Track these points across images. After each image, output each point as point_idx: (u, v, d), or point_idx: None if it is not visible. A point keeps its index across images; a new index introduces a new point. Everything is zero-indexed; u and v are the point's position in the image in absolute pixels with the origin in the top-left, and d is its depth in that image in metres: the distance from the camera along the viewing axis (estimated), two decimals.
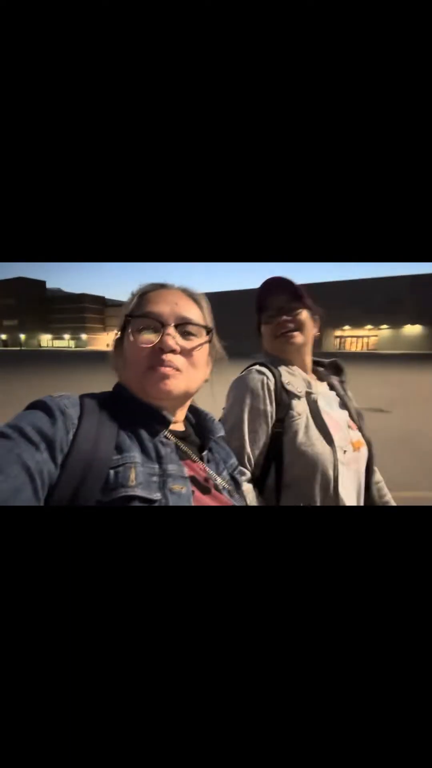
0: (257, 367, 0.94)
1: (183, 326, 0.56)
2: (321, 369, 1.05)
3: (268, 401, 0.89)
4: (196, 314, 0.59)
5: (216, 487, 0.58)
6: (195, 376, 0.58)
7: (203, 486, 0.55)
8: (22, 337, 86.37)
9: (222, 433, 0.66)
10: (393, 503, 1.01)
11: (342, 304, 39.51)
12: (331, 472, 0.85)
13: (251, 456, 0.87)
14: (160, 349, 0.54)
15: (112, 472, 0.47)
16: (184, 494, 0.50)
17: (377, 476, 1.01)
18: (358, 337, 43.53)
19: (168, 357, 0.54)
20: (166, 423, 0.55)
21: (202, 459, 0.60)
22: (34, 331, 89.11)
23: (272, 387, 0.90)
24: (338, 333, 43.82)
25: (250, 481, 0.86)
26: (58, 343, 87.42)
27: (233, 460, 0.67)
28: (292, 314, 0.96)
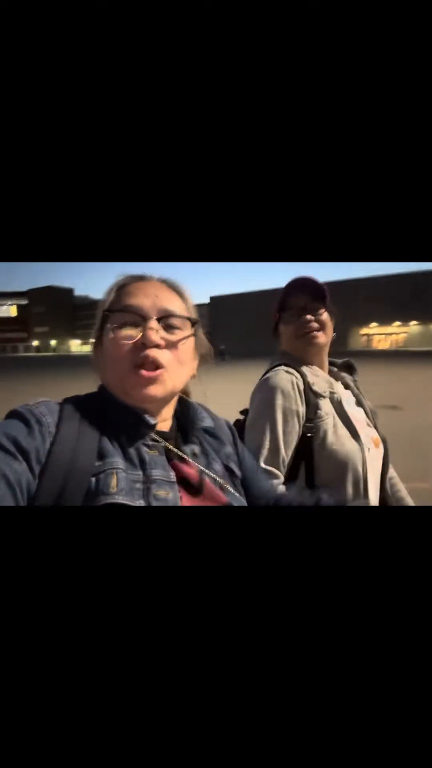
0: (284, 367, 0.92)
1: (166, 319, 0.53)
2: (334, 369, 1.05)
3: (299, 401, 0.88)
4: (179, 306, 0.55)
5: (212, 481, 0.56)
6: (181, 373, 0.55)
7: (194, 487, 0.53)
8: (53, 342, 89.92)
9: (208, 423, 0.62)
10: (407, 497, 1.03)
11: (367, 301, 38.53)
12: (360, 470, 0.86)
13: (285, 458, 0.86)
14: (143, 344, 0.51)
15: (93, 479, 0.46)
16: (170, 499, 0.49)
17: (391, 471, 1.01)
18: (386, 335, 42.23)
19: (152, 353, 0.51)
20: (150, 426, 0.52)
21: (192, 454, 0.58)
22: (63, 337, 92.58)
23: (302, 387, 0.89)
24: (365, 331, 42.72)
25: (281, 484, 0.86)
26: (87, 348, 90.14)
27: (227, 449, 0.63)
28: (316, 314, 0.95)
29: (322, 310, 0.95)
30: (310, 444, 0.86)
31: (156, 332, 0.51)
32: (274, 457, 0.85)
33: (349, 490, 0.85)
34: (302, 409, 0.87)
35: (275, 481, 0.83)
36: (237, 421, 0.98)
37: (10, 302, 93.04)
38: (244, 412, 1.00)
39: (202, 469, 0.56)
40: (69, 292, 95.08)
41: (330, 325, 0.97)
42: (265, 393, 0.90)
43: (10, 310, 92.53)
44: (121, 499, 0.45)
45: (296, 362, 0.94)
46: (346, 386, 1.01)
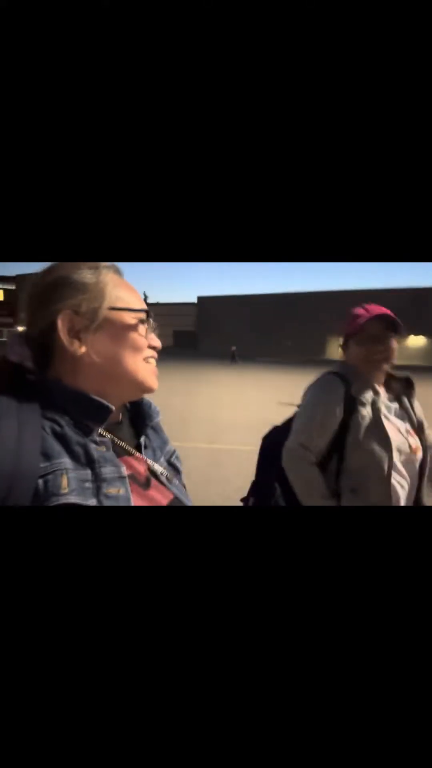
0: (332, 374, 1.13)
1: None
2: (392, 381, 1.19)
3: (338, 404, 1.06)
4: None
5: (155, 476, 0.57)
6: None
7: (142, 482, 0.54)
8: None
9: (158, 417, 0.63)
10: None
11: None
12: (385, 468, 1.02)
13: (320, 446, 1.08)
14: (153, 346, 0.56)
15: (41, 480, 0.43)
16: (122, 496, 0.49)
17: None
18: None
19: (158, 344, 0.57)
20: (106, 414, 0.51)
21: (139, 448, 0.58)
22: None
23: (342, 393, 1.07)
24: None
25: (313, 464, 1.08)
26: None
27: (170, 447, 0.65)
28: (386, 343, 1.10)
29: (393, 341, 1.11)
30: (343, 440, 1.06)
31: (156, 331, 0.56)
32: (309, 440, 1.09)
33: (371, 480, 1.03)
34: (340, 412, 1.06)
35: (305, 462, 1.09)
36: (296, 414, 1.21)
37: None
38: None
39: (151, 462, 0.57)
40: None
41: (395, 351, 1.12)
42: (313, 392, 1.13)
43: None
44: (73, 499, 0.44)
45: (352, 372, 1.13)
46: (398, 398, 1.17)
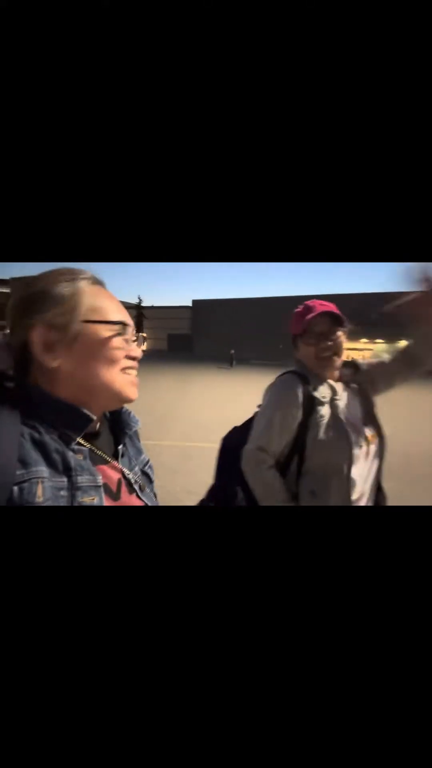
0: (290, 375, 1.10)
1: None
2: (342, 370, 1.16)
3: (296, 404, 1.04)
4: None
5: (129, 485, 0.57)
6: None
7: (114, 491, 0.55)
8: None
9: (138, 426, 0.64)
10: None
11: (350, 318, 40.61)
12: (344, 468, 1.00)
13: (278, 448, 1.05)
14: (134, 357, 0.56)
15: (16, 488, 0.43)
16: (95, 505, 0.49)
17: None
18: (354, 350, 44.67)
19: (139, 355, 0.56)
20: (86, 422, 0.51)
21: (116, 456, 0.58)
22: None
23: (300, 393, 1.05)
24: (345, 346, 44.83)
25: (272, 467, 1.05)
26: None
27: (144, 456, 0.66)
28: (333, 339, 1.07)
29: (340, 335, 1.08)
30: (303, 439, 1.03)
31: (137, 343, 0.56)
32: (268, 444, 1.06)
33: (332, 478, 1.01)
34: (299, 412, 1.03)
35: (263, 466, 1.05)
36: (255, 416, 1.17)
37: None
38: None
39: (126, 471, 0.57)
40: None
41: (343, 346, 1.10)
42: (272, 393, 1.10)
43: None
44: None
45: (308, 371, 1.10)
46: (348, 386, 1.14)
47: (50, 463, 0.48)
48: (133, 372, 0.56)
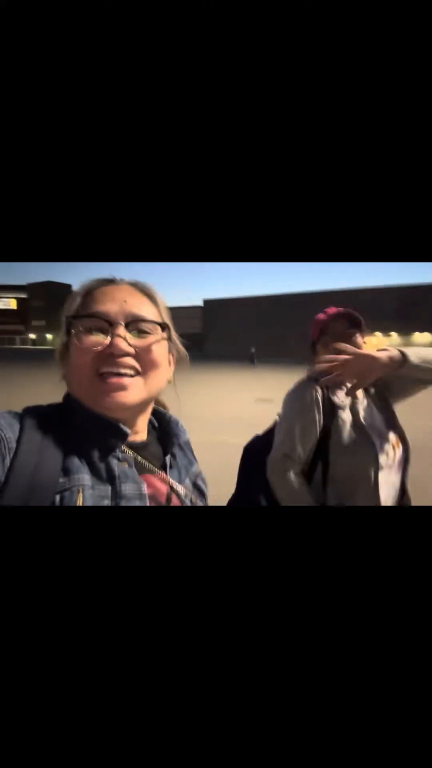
0: (309, 380, 1.10)
1: (135, 324, 0.52)
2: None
3: (316, 410, 1.05)
4: (150, 310, 0.54)
5: (178, 497, 0.55)
6: (155, 379, 0.53)
7: (162, 502, 0.53)
8: (49, 336, 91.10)
9: (187, 437, 0.62)
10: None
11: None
12: (371, 476, 1.00)
13: (302, 455, 1.05)
14: (111, 352, 0.49)
15: (57, 497, 0.44)
16: (95, 505, 0.47)
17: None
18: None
19: (121, 361, 0.49)
20: (123, 437, 0.51)
21: (164, 467, 0.57)
22: (60, 331, 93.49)
23: (320, 399, 1.06)
24: None
25: (299, 474, 1.05)
26: None
27: (195, 467, 0.63)
28: (351, 342, 1.07)
29: (356, 337, 1.10)
30: (326, 446, 1.04)
31: (123, 339, 0.49)
32: (292, 450, 1.06)
33: (360, 488, 1.00)
34: (319, 417, 1.05)
35: (290, 472, 1.04)
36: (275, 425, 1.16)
37: (10, 295, 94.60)
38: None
39: (174, 483, 0.55)
40: (67, 287, 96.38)
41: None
42: (291, 399, 1.11)
43: (10, 303, 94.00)
44: None
45: (324, 376, 1.05)
46: (371, 393, 1.15)
47: (94, 471, 0.48)
48: (116, 374, 0.49)
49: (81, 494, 0.46)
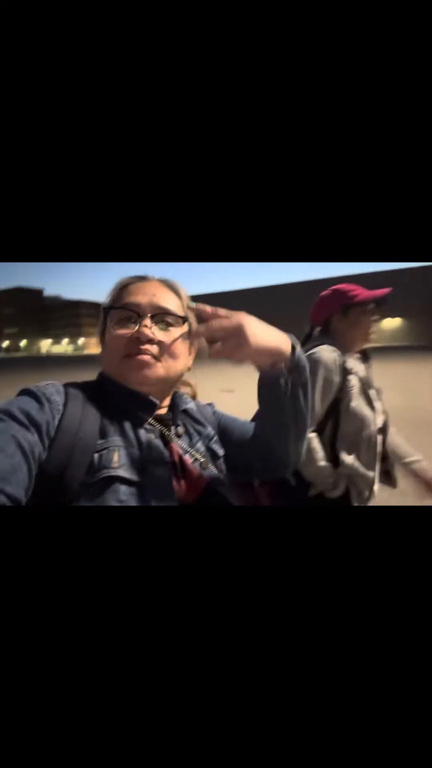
0: (327, 346, 1.22)
1: (161, 316, 0.59)
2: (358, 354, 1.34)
3: (336, 373, 1.19)
4: (175, 304, 0.61)
5: (194, 461, 0.61)
6: (174, 365, 0.60)
7: (180, 467, 0.59)
8: (23, 343, 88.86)
9: (189, 406, 0.68)
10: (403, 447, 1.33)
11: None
12: (373, 430, 1.19)
13: (320, 412, 1.19)
14: (137, 338, 0.57)
15: (96, 455, 0.51)
16: (165, 477, 0.55)
17: (414, 455, 1.31)
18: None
19: (145, 346, 0.57)
20: (152, 407, 0.59)
21: (178, 435, 0.63)
22: (34, 337, 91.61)
23: (339, 363, 1.20)
24: None
25: (313, 431, 1.19)
26: (56, 349, 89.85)
27: (209, 430, 0.68)
28: (376, 318, 1.25)
29: (378, 316, 1.26)
30: (338, 406, 1.20)
31: (149, 328, 0.57)
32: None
33: (363, 443, 1.18)
34: (337, 379, 1.19)
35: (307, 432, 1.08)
36: None
37: None
38: None
39: (186, 448, 0.62)
40: (38, 293, 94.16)
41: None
42: (311, 361, 1.17)
43: None
44: (122, 473, 0.51)
45: (338, 345, 1.24)
46: (365, 360, 1.34)
47: (126, 436, 0.56)
48: (141, 355, 0.57)
49: (117, 452, 0.52)
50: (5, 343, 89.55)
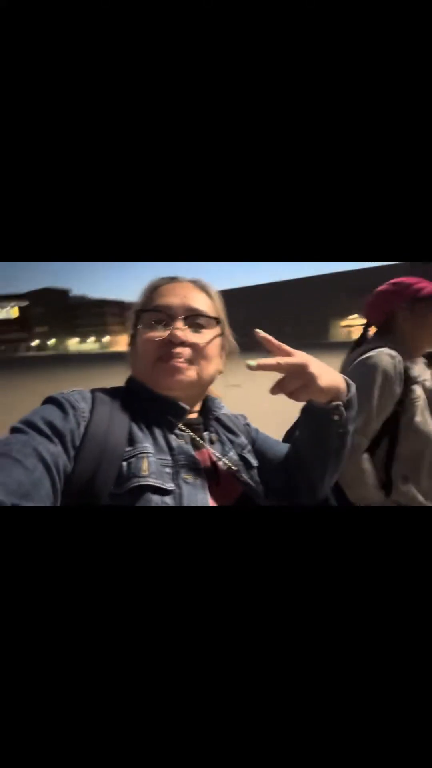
0: (387, 350, 1.03)
1: (193, 318, 0.58)
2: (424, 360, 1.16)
3: (397, 382, 1.00)
4: (207, 306, 0.60)
5: (227, 468, 0.59)
6: (206, 368, 0.59)
7: (212, 474, 0.57)
8: (51, 342, 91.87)
9: (224, 410, 0.67)
10: None
11: (349, 294, 40.80)
12: None
13: (375, 428, 1.00)
14: (170, 341, 0.56)
15: (124, 463, 0.49)
16: (198, 483, 0.53)
17: None
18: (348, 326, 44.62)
19: (177, 349, 0.56)
20: (182, 413, 0.57)
21: (211, 441, 0.61)
22: (62, 336, 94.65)
23: (401, 370, 1.01)
24: (345, 323, 45.12)
25: (366, 452, 1.01)
26: (84, 347, 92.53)
27: (242, 439, 0.66)
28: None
29: None
30: (397, 421, 1.00)
31: (182, 331, 0.56)
32: (365, 427, 1.00)
33: (425, 464, 0.99)
34: (398, 390, 1.00)
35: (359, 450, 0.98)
36: None
37: (11, 304, 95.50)
38: None
39: (219, 456, 0.60)
40: (65, 293, 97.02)
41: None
42: (366, 370, 1.02)
43: (11, 312, 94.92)
44: (152, 481, 0.49)
45: (399, 347, 1.05)
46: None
47: (156, 442, 0.54)
48: (174, 359, 0.56)
49: (146, 460, 0.50)
50: (35, 342, 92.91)
